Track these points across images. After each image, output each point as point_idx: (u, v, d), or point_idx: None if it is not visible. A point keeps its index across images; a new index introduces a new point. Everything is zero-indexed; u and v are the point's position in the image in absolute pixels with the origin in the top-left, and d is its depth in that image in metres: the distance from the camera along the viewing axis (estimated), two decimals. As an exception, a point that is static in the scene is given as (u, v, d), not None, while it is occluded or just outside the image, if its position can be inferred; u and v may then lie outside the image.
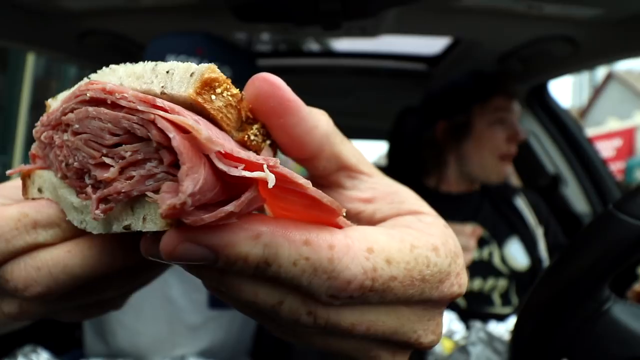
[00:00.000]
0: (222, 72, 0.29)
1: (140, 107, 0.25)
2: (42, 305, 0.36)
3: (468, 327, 1.07)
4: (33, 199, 0.35)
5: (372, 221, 0.34)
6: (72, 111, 0.30)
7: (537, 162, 1.83)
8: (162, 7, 1.20)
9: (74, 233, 0.33)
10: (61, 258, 0.33)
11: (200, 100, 0.27)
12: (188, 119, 0.24)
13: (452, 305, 1.27)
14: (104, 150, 0.27)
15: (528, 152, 1.84)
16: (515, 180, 2.09)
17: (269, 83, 0.29)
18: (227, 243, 0.24)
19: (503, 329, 1.02)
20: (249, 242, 0.24)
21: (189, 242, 0.24)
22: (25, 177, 0.36)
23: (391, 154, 1.90)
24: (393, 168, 1.88)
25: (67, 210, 0.33)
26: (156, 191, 0.25)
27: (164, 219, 0.24)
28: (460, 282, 0.31)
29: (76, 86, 0.31)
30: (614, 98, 15.64)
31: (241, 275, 0.26)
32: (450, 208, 1.45)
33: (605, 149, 12.95)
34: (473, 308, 1.30)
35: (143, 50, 1.44)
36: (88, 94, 0.28)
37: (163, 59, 1.23)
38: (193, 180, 0.22)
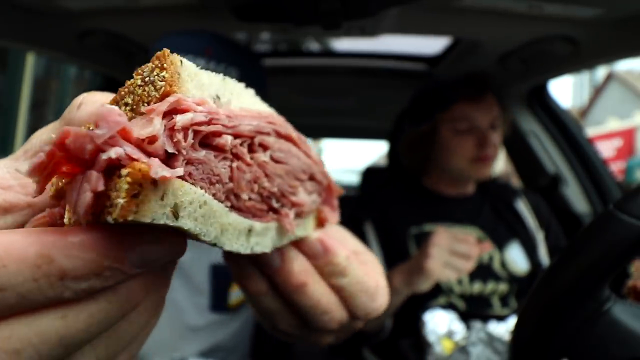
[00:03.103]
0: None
1: (323, 166, 0.41)
2: None
3: (468, 328, 1.07)
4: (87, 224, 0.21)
5: None
6: (269, 135, 0.32)
7: (537, 162, 1.82)
8: (162, 7, 1.20)
9: (115, 281, 0.23)
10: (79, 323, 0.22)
11: None
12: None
13: (451, 307, 1.26)
14: (298, 183, 0.36)
15: (528, 152, 1.84)
16: (515, 181, 2.09)
17: None
18: (332, 250, 0.40)
19: (503, 329, 1.02)
20: (343, 257, 0.40)
21: (319, 239, 0.41)
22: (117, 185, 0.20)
23: (391, 154, 1.89)
24: (393, 168, 1.88)
25: (231, 239, 0.27)
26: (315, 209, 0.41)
27: (317, 227, 0.42)
28: None
29: (268, 110, 0.33)
30: (614, 98, 15.63)
31: (322, 278, 0.40)
32: (450, 210, 1.45)
33: (605, 149, 12.94)
34: (472, 310, 1.29)
35: (143, 50, 1.44)
36: (283, 131, 0.34)
37: None
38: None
